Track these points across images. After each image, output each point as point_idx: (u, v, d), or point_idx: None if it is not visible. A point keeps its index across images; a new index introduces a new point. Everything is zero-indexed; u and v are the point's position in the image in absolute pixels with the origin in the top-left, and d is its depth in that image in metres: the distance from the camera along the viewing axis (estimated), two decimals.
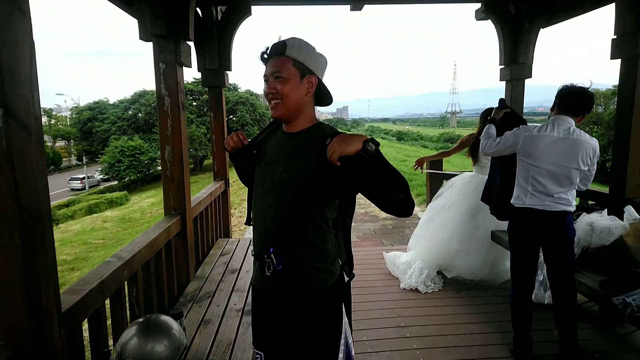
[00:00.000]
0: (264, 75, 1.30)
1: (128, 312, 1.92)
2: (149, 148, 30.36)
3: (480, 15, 4.35)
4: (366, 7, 4.26)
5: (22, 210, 1.05)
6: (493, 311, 3.10)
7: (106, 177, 32.84)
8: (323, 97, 1.36)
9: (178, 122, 2.55)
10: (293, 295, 1.32)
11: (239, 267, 2.86)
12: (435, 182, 4.38)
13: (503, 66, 4.26)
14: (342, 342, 1.35)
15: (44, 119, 55.17)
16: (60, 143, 53.13)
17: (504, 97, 4.33)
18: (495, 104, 2.90)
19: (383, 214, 7.36)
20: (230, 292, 2.44)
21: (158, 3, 2.38)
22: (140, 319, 1.69)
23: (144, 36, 2.48)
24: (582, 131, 2.31)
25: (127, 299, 1.97)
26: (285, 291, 1.32)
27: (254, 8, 3.96)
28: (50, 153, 45.57)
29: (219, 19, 3.88)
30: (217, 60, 3.85)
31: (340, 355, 1.34)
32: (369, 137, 1.16)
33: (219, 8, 3.88)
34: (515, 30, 4.07)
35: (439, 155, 4.72)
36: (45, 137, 51.52)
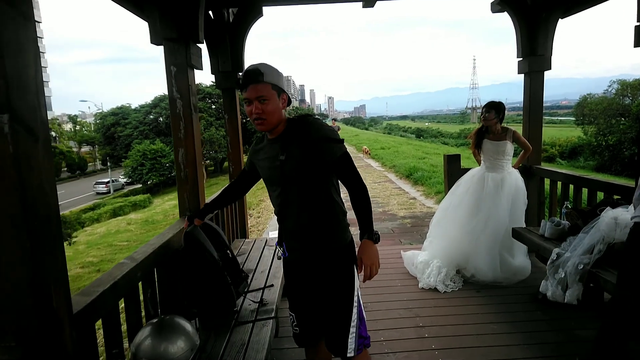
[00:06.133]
0: (246, 99, 1.59)
1: (144, 312, 1.94)
2: (170, 151, 30.90)
3: (495, 8, 4.24)
4: (378, 3, 4.22)
5: (29, 213, 1.06)
6: (515, 310, 3.02)
7: (130, 180, 33.62)
8: (288, 103, 1.68)
9: (190, 124, 2.57)
10: (311, 261, 1.72)
11: (254, 267, 2.86)
12: (453, 180, 4.28)
13: (521, 58, 4.15)
14: (355, 299, 1.70)
15: (69, 126, 56.77)
16: (85, 148, 54.63)
17: (522, 90, 4.24)
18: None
19: (402, 213, 7.28)
20: (245, 293, 2.43)
21: (167, 7, 2.40)
22: (155, 320, 1.71)
23: (155, 40, 2.51)
24: None
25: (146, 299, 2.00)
26: (305, 260, 1.73)
27: (265, 9, 3.97)
28: (76, 158, 46.94)
29: (231, 20, 3.89)
30: (229, 62, 3.86)
31: (354, 310, 1.69)
32: (374, 235, 1.63)
33: (230, 10, 3.90)
34: (532, 21, 3.96)
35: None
36: (71, 143, 53.11)
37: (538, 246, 3.10)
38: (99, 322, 1.53)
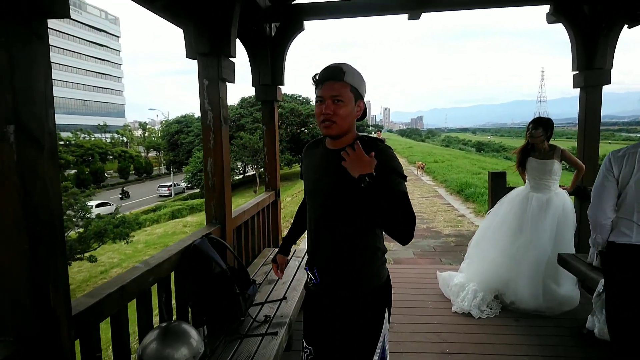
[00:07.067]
0: (319, 97, 1.43)
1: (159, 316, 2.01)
2: None
3: (550, 19, 4.00)
4: (424, 15, 4.13)
5: (31, 217, 1.14)
6: (553, 344, 2.78)
7: (189, 185, 35.40)
8: (363, 115, 1.50)
9: (220, 135, 2.65)
10: (341, 296, 1.50)
11: (277, 278, 2.86)
12: (498, 199, 4.05)
13: (577, 72, 3.86)
14: (380, 345, 1.49)
15: (139, 132, 61.08)
16: (152, 153, 58.43)
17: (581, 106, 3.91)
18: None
19: (447, 230, 7.00)
20: (263, 304, 2.45)
21: (202, 22, 2.50)
22: (162, 325, 1.77)
23: (190, 54, 2.63)
24: None
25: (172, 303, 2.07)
26: (334, 293, 1.51)
27: (306, 23, 4.03)
28: (144, 162, 50.25)
29: (273, 35, 3.99)
30: (270, 76, 3.95)
31: (375, 358, 1.47)
32: (369, 173, 1.33)
33: (272, 25, 4.00)
34: (590, 32, 3.67)
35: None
36: (140, 148, 57.02)
37: (584, 275, 2.85)
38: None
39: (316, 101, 1.44)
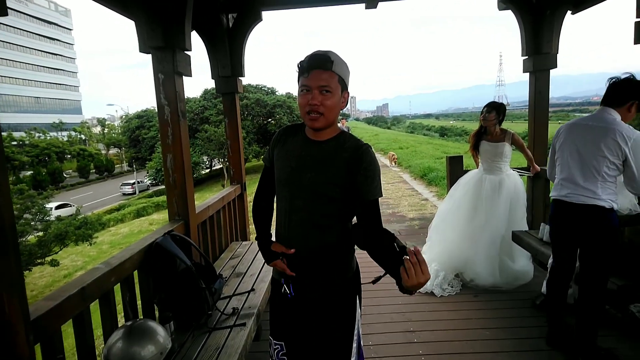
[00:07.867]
0: (305, 86, 1.35)
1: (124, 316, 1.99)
2: (192, 153, 31.52)
3: (501, 6, 4.16)
4: (382, 4, 4.19)
5: None
6: (509, 316, 2.95)
7: (154, 181, 34.44)
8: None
9: (178, 130, 2.62)
10: (315, 290, 1.49)
11: (245, 270, 2.89)
12: (455, 181, 4.21)
13: (526, 57, 4.04)
14: (355, 332, 1.51)
15: (98, 129, 58.74)
16: (113, 151, 56.37)
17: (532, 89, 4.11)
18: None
19: (411, 214, 7.20)
20: (230, 297, 2.47)
21: (154, 15, 2.45)
22: (128, 323, 1.76)
23: (143, 49, 2.56)
24: (620, 121, 2.22)
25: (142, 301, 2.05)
26: (308, 287, 1.50)
27: (264, 13, 4.00)
28: (104, 160, 48.39)
29: (230, 26, 3.95)
30: (229, 67, 3.91)
31: (354, 345, 1.50)
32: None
33: (230, 16, 3.95)
34: (536, 18, 3.85)
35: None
36: (100, 146, 54.91)
37: (536, 250, 3.04)
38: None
39: (301, 90, 1.36)
